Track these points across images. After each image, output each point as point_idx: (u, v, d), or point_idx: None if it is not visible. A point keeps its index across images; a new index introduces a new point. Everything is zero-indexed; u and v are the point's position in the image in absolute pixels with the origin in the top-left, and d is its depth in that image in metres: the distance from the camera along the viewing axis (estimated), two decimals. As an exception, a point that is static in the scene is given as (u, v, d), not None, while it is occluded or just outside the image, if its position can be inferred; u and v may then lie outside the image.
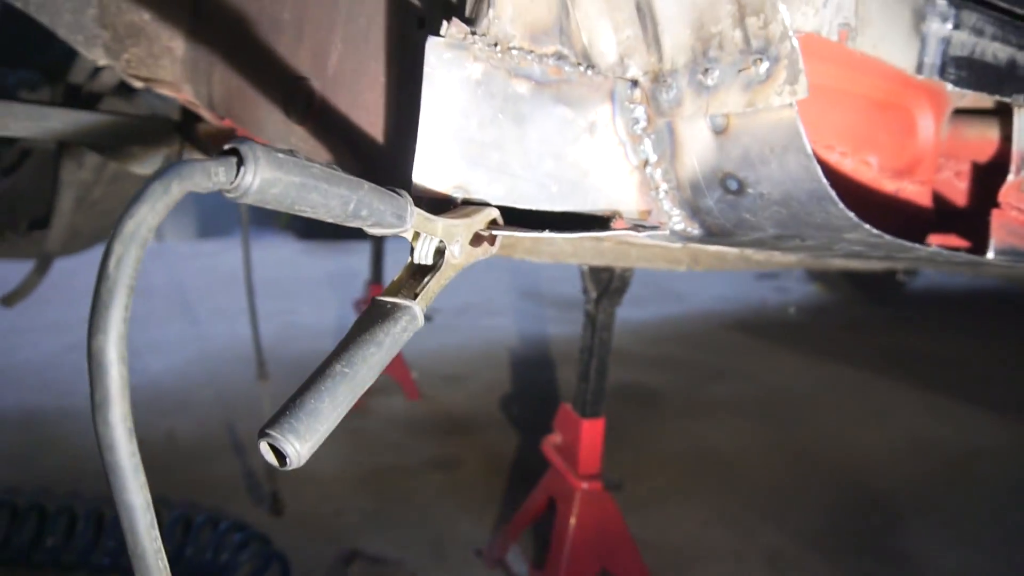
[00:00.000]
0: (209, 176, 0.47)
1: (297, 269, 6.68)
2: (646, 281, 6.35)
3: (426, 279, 0.72)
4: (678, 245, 1.07)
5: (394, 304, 0.68)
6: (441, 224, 0.72)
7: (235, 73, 1.12)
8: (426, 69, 0.78)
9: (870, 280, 5.66)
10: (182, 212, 8.31)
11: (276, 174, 0.50)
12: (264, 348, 2.71)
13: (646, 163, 0.92)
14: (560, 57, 0.85)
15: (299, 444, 0.55)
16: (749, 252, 1.50)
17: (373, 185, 0.61)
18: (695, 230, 0.96)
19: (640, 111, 0.89)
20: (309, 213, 0.56)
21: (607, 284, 1.75)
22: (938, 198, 1.11)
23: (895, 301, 5.98)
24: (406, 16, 0.89)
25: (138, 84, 1.18)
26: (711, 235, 0.96)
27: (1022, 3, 0.83)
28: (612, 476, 1.90)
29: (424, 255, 0.73)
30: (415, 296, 0.71)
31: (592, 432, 1.90)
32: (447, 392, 3.60)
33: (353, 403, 0.61)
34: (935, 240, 1.14)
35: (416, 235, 0.73)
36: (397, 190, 0.66)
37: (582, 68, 0.86)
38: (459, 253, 0.75)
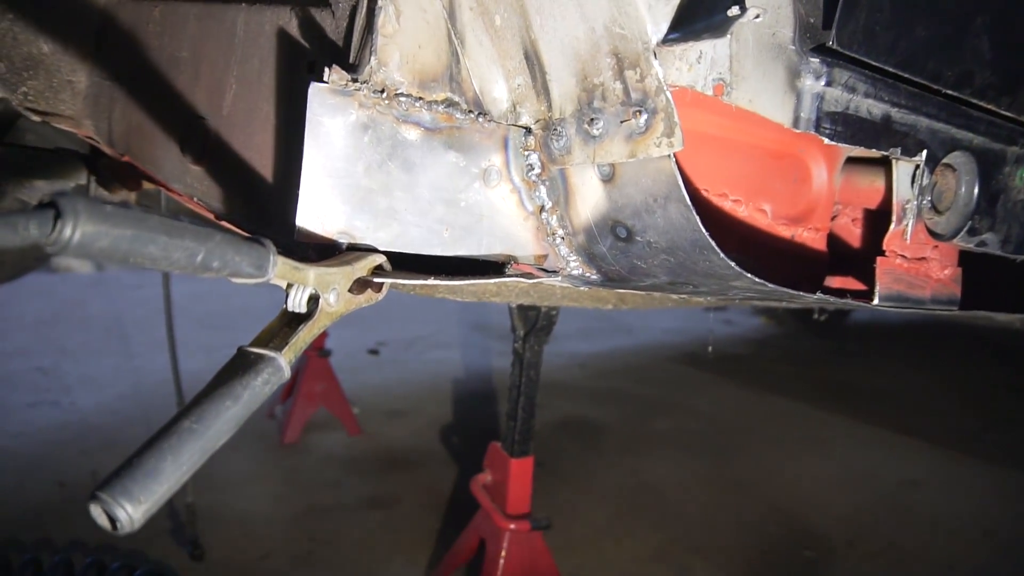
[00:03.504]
0: (17, 231, 0.45)
1: (247, 298, 6.54)
2: (598, 315, 6.40)
3: (298, 329, 0.70)
4: (584, 288, 1.07)
5: (258, 355, 0.66)
6: (313, 273, 0.71)
7: (135, 109, 1.10)
8: (308, 114, 0.77)
9: (814, 315, 5.79)
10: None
11: (101, 227, 0.48)
12: (200, 383, 2.62)
13: (542, 208, 0.92)
14: (451, 104, 0.85)
15: (132, 508, 0.52)
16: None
17: (227, 235, 0.59)
18: (593, 275, 0.96)
19: (534, 158, 0.90)
20: (151, 265, 0.54)
21: (534, 322, 1.74)
22: (837, 243, 1.14)
23: (837, 334, 6.13)
24: (297, 60, 0.89)
25: (36, 118, 1.14)
26: (609, 280, 0.96)
27: (898, 63, 0.86)
28: (540, 516, 1.87)
29: (297, 303, 0.72)
30: (285, 346, 0.69)
31: (521, 471, 1.88)
32: (389, 427, 3.54)
33: (203, 461, 0.59)
34: (834, 282, 1.17)
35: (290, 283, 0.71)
36: (260, 239, 0.64)
37: (474, 115, 0.87)
38: (335, 301, 0.74)
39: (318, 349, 3.34)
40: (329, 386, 3.37)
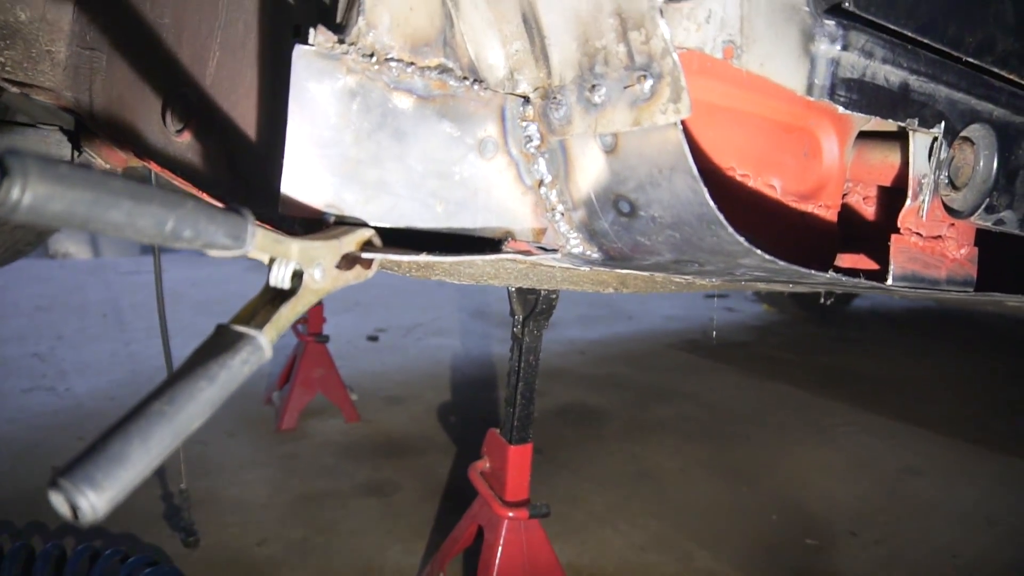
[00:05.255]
0: (-46, 191, 0.40)
1: (244, 286, 6.51)
2: (598, 301, 6.36)
3: (282, 306, 0.66)
4: (585, 268, 1.03)
5: (237, 333, 0.62)
6: (296, 246, 0.66)
7: (116, 80, 1.05)
8: (293, 79, 0.73)
9: (816, 301, 5.75)
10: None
11: (55, 189, 0.44)
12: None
13: (541, 183, 0.88)
14: (444, 70, 0.81)
15: (94, 495, 0.48)
16: (675, 276, 1.48)
17: (200, 202, 0.55)
18: (594, 253, 0.92)
19: (533, 129, 0.85)
20: (115, 233, 0.50)
21: (533, 306, 1.70)
22: (848, 222, 1.10)
23: (840, 322, 6.09)
24: (282, 23, 0.84)
25: (14, 90, 1.10)
26: (611, 259, 0.92)
27: (917, 27, 0.81)
28: (539, 504, 1.84)
29: (280, 279, 0.67)
30: (266, 323, 0.65)
31: (519, 458, 1.84)
32: (387, 414, 3.51)
33: (176, 445, 0.55)
34: (845, 260, 1.12)
35: (273, 257, 0.67)
36: (238, 208, 0.60)
37: (469, 83, 0.82)
38: (321, 277, 0.70)
39: (315, 335, 3.30)
40: (327, 372, 3.34)
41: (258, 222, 0.61)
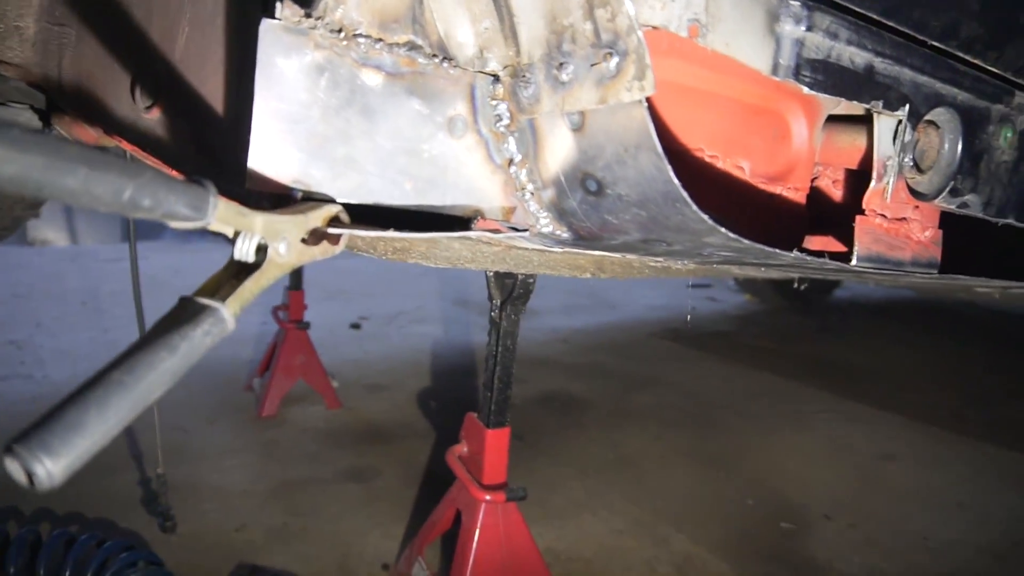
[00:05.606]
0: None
1: (225, 274, 6.44)
2: (580, 290, 6.38)
3: (246, 279, 0.66)
4: (558, 250, 1.03)
5: (200, 304, 0.62)
6: (260, 219, 0.66)
7: (85, 56, 1.04)
8: (260, 53, 0.72)
9: (797, 291, 5.80)
10: (102, 214, 7.95)
11: (7, 153, 0.44)
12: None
13: (511, 162, 0.88)
14: (413, 47, 0.81)
15: (50, 462, 0.48)
16: (648, 259, 1.49)
17: (160, 172, 0.55)
18: (564, 233, 0.92)
19: (503, 108, 0.86)
20: (71, 200, 0.50)
21: (511, 290, 1.71)
22: (817, 204, 1.11)
23: (821, 312, 6.16)
24: (250, 4, 0.84)
25: (-19, 66, 1.08)
26: (580, 239, 0.93)
27: (883, 10, 0.82)
28: (517, 487, 1.85)
29: (245, 252, 0.68)
30: (230, 296, 0.65)
31: (497, 442, 1.85)
32: (369, 401, 3.51)
33: (134, 415, 0.55)
34: (814, 243, 1.14)
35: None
36: (200, 179, 0.60)
37: (438, 60, 0.82)
38: (286, 251, 0.70)
39: (297, 322, 3.29)
40: (308, 359, 3.33)
41: (221, 194, 0.61)
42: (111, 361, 0.56)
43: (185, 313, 0.62)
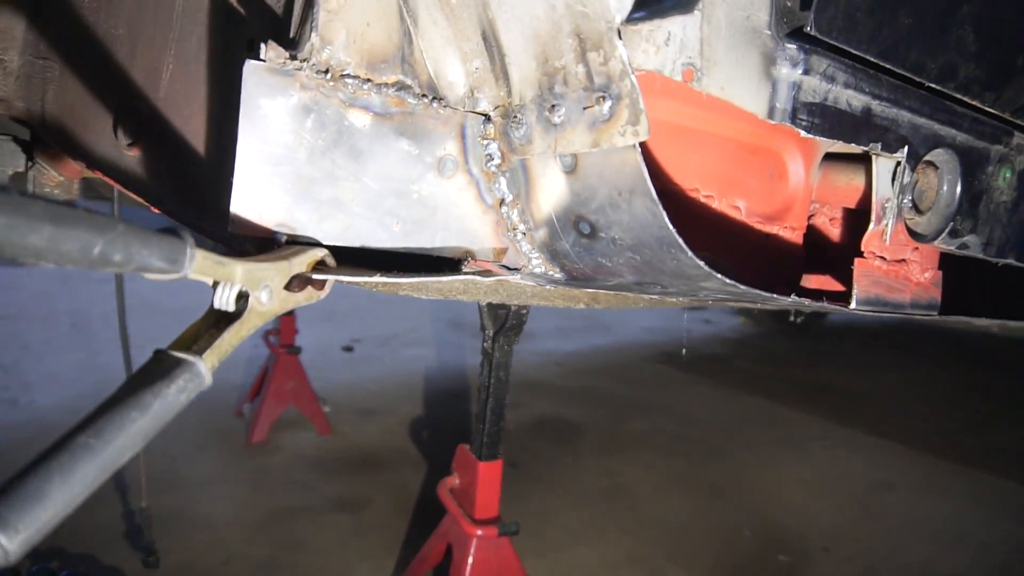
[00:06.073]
0: None
1: (217, 295, 6.40)
2: (575, 313, 6.35)
3: (225, 330, 0.64)
4: (550, 287, 1.01)
5: (175, 359, 0.59)
6: (241, 268, 0.64)
7: (69, 91, 1.02)
8: (244, 95, 0.71)
9: (789, 317, 5.80)
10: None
11: (-35, 214, 0.42)
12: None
13: (502, 202, 0.86)
14: (403, 87, 0.79)
15: (5, 539, 0.45)
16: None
17: (132, 225, 0.52)
18: (556, 274, 0.90)
19: (494, 147, 0.84)
20: (38, 258, 0.47)
21: (504, 321, 1.68)
22: (814, 243, 1.10)
23: (815, 335, 6.15)
24: (237, 37, 0.82)
25: (-36, 99, 1.06)
26: (573, 279, 0.91)
27: (879, 52, 0.81)
28: (509, 522, 1.81)
29: (224, 301, 0.65)
30: (208, 348, 0.62)
31: (489, 475, 1.82)
32: (360, 426, 3.46)
33: (102, 480, 0.52)
34: (811, 281, 1.12)
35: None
36: (177, 229, 0.57)
37: (428, 100, 0.80)
38: (268, 299, 0.67)
39: (287, 346, 3.26)
40: (299, 384, 3.29)
41: (199, 244, 0.59)
42: (78, 423, 0.53)
43: (159, 369, 0.59)
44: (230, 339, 0.64)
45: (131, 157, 0.92)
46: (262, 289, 0.67)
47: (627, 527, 2.64)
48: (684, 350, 4.82)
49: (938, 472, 3.34)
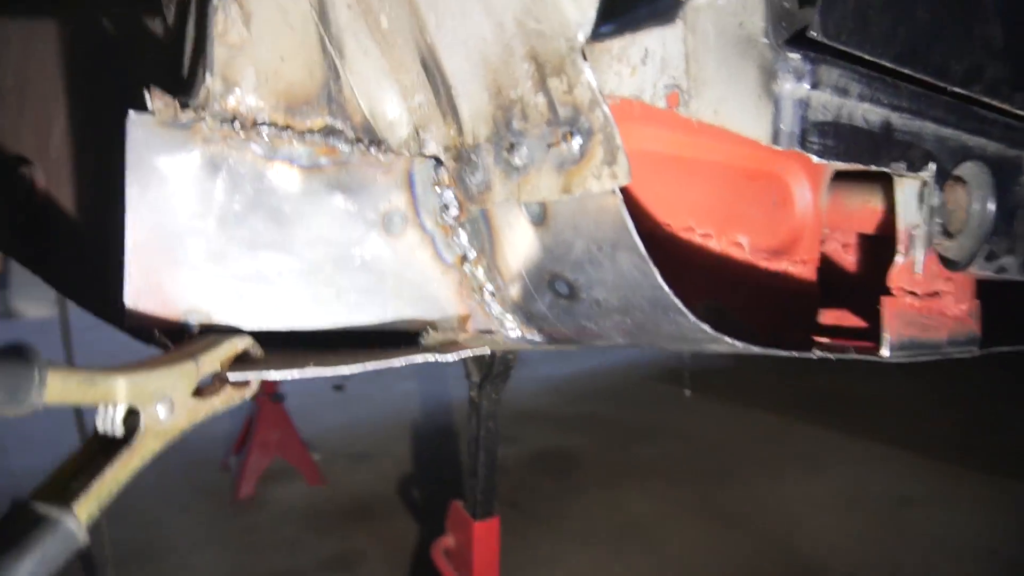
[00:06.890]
0: None
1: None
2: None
3: (108, 464, 0.50)
4: (528, 346, 0.87)
5: (38, 516, 0.45)
6: (123, 382, 0.50)
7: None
8: (128, 156, 0.57)
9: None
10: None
11: None
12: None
13: (464, 259, 0.73)
14: (331, 132, 0.66)
15: None
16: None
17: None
18: (535, 337, 0.77)
19: (449, 195, 0.71)
20: None
21: (489, 368, 1.55)
22: (827, 271, 0.96)
23: (817, 339, 6.00)
24: (135, 87, 0.69)
25: None
26: (555, 341, 0.77)
27: (896, 56, 0.68)
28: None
29: (109, 424, 0.51)
30: (84, 492, 0.48)
31: (485, 535, 1.67)
32: (353, 473, 3.30)
33: None
34: (827, 317, 0.99)
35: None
36: (21, 348, 0.44)
37: (364, 145, 0.67)
38: (169, 415, 0.53)
39: (271, 394, 3.11)
40: (285, 434, 3.13)
41: (55, 364, 0.45)
42: None
43: (18, 528, 0.45)
44: (115, 475, 0.50)
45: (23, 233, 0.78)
46: (159, 402, 0.53)
47: (640, 568, 2.48)
48: (687, 392, 4.59)
49: (961, 482, 3.19)
